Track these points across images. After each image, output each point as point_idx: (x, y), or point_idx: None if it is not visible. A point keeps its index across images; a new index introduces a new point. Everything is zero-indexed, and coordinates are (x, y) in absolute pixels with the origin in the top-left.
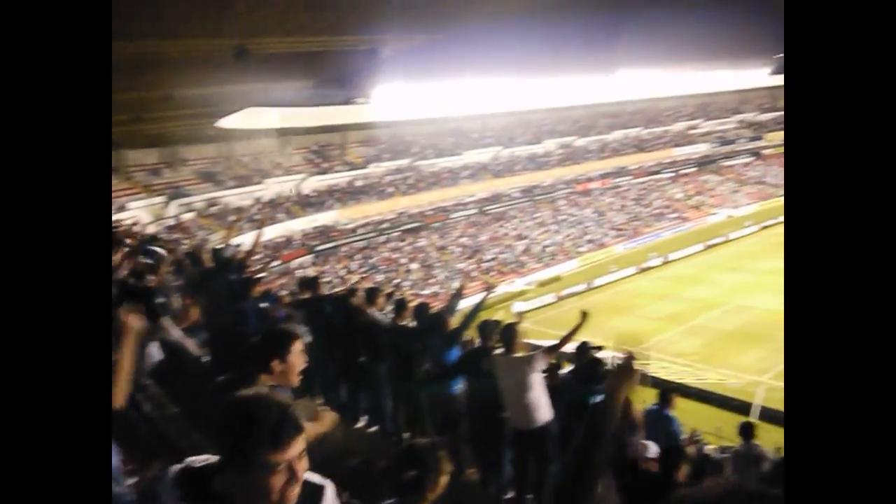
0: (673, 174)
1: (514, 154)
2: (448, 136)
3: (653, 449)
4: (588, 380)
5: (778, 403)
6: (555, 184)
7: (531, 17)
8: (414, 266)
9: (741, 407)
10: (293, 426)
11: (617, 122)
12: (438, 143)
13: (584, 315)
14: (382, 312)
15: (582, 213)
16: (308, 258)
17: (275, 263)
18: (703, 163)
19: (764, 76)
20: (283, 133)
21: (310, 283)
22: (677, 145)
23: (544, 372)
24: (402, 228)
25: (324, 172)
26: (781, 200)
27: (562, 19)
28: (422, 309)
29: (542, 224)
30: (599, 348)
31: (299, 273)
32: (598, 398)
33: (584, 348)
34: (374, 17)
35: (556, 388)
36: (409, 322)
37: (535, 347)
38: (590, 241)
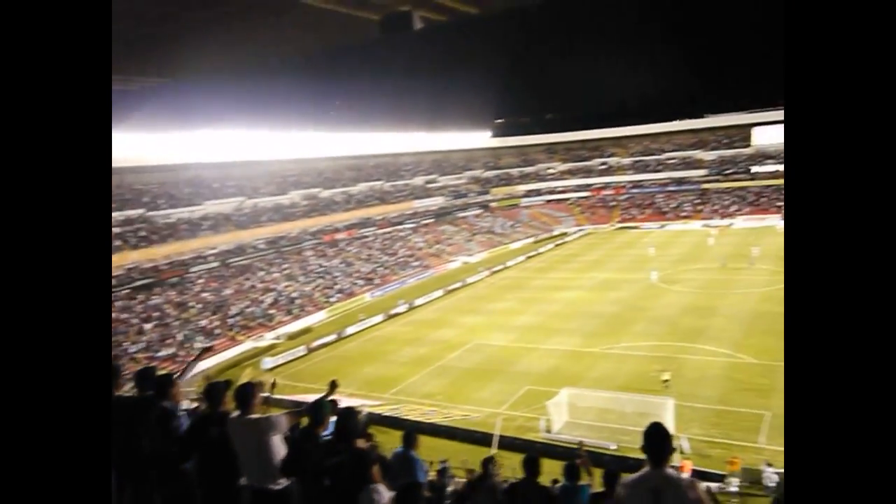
0: (414, 225)
1: (258, 205)
2: (185, 185)
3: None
4: (341, 436)
5: (513, 431)
6: (301, 235)
7: (276, 70)
8: (147, 326)
9: (483, 438)
10: None
11: (360, 175)
12: (174, 192)
13: (334, 385)
14: None
15: (330, 263)
16: None
17: None
18: (441, 214)
19: (486, 138)
20: None
21: None
22: (417, 198)
23: (296, 432)
24: (133, 285)
25: None
26: (507, 248)
27: (301, 76)
28: (144, 375)
29: (291, 276)
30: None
31: None
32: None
33: (319, 404)
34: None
35: (307, 446)
36: (131, 392)
37: (298, 404)
38: (339, 291)
